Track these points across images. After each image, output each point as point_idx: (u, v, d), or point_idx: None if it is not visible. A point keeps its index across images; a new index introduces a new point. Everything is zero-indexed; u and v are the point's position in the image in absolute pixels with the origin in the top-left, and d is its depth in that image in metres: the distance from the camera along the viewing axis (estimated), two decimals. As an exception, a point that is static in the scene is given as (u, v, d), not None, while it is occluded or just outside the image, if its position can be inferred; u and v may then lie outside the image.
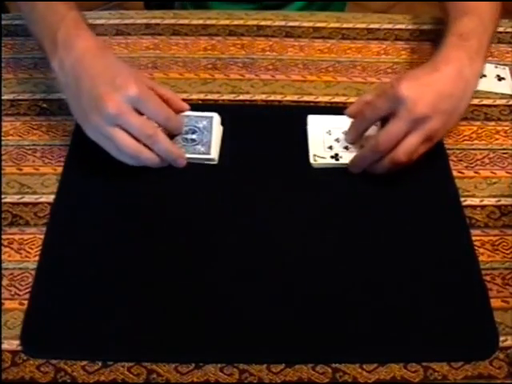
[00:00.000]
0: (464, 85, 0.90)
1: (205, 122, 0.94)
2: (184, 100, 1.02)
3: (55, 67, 0.90)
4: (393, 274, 0.83)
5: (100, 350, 0.76)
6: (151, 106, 0.88)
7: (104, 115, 0.84)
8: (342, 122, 0.95)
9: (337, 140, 0.94)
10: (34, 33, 0.97)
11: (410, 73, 0.91)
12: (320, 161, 0.93)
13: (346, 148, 0.93)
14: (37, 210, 0.88)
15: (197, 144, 0.92)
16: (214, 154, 0.93)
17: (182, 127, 0.93)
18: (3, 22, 1.14)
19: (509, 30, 1.17)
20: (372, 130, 0.92)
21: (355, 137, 0.93)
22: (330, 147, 0.94)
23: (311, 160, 0.93)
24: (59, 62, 0.89)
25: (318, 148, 0.94)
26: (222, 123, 0.97)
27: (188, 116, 0.94)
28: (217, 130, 0.94)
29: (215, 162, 0.93)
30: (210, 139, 0.93)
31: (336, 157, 0.93)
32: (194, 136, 0.93)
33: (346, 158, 0.92)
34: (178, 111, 0.93)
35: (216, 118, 0.95)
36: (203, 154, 0.92)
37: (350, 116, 0.94)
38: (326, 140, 0.95)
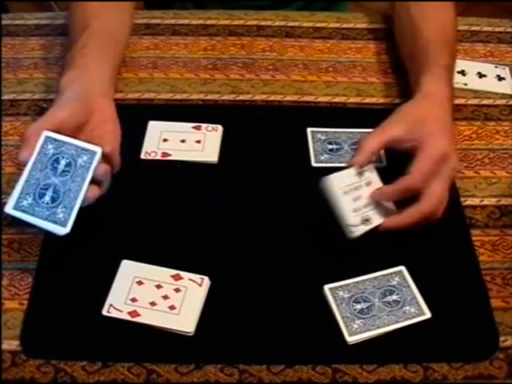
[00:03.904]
0: (452, 118, 0.93)
1: (85, 158, 0.80)
2: (184, 100, 1.02)
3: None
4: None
5: (100, 351, 0.76)
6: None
7: None
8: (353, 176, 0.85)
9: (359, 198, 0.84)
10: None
11: (427, 119, 0.89)
12: (357, 231, 0.82)
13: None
14: (37, 210, 0.88)
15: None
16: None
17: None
18: (3, 22, 1.14)
19: (509, 29, 1.17)
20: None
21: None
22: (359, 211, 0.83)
23: (349, 233, 0.82)
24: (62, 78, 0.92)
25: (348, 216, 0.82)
26: (222, 123, 0.98)
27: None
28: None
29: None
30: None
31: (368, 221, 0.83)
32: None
33: (375, 218, 0.84)
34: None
35: (98, 152, 0.81)
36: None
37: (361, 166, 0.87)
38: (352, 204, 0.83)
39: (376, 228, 0.84)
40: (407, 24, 1.06)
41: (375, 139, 0.88)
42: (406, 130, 0.88)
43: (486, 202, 0.91)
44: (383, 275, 0.82)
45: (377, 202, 0.85)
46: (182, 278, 0.81)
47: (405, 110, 0.91)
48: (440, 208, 0.84)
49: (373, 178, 0.86)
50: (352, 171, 0.85)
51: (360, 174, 0.85)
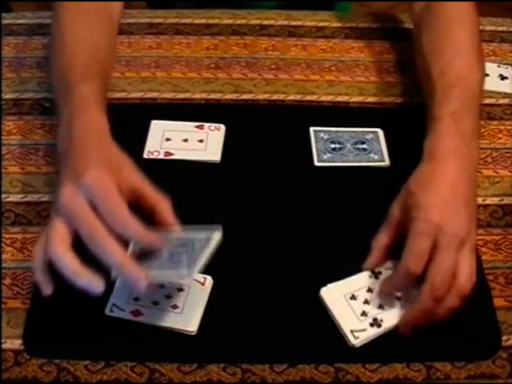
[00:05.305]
0: (471, 179, 0.83)
1: (202, 236, 0.75)
2: (186, 100, 1.02)
3: (58, 138, 0.83)
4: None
5: (102, 350, 0.76)
6: (104, 205, 0.72)
7: (56, 205, 0.75)
8: (359, 281, 0.81)
9: (367, 302, 0.79)
10: (54, 93, 0.92)
11: (422, 187, 0.80)
12: (362, 335, 0.76)
13: (381, 307, 0.79)
14: (39, 209, 0.88)
15: (183, 260, 0.74)
16: (195, 270, 0.72)
17: (147, 237, 0.73)
18: (6, 22, 1.15)
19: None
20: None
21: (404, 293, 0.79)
22: (364, 313, 0.78)
23: (351, 340, 0.76)
24: (59, 143, 0.82)
25: (352, 321, 0.77)
26: (225, 122, 0.98)
27: (185, 230, 0.77)
28: (211, 247, 0.75)
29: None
30: (198, 254, 0.73)
31: (376, 322, 0.77)
32: (183, 249, 0.75)
33: (387, 319, 0.78)
34: (164, 225, 0.77)
35: (217, 233, 0.76)
36: (184, 267, 0.73)
37: (374, 267, 0.82)
38: (356, 307, 0.79)
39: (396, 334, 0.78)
40: (418, 53, 0.99)
41: (382, 233, 0.82)
42: (400, 209, 0.81)
43: (488, 201, 0.91)
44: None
45: (385, 302, 0.79)
46: None
47: (406, 184, 0.82)
48: (452, 284, 0.75)
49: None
50: (365, 274, 0.81)
51: (376, 275, 0.81)
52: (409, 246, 0.77)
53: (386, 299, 0.79)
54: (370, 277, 0.81)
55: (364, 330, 0.77)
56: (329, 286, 0.80)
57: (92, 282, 0.70)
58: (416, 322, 0.76)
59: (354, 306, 0.79)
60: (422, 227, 0.77)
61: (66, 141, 0.80)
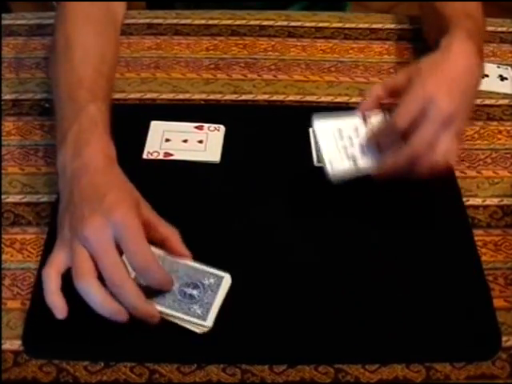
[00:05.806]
0: (476, 77, 0.90)
1: (212, 280, 0.79)
2: (186, 100, 1.02)
3: (58, 164, 0.83)
4: (395, 274, 0.83)
5: (102, 350, 0.76)
6: (130, 246, 0.73)
7: (78, 235, 0.74)
8: (349, 121, 0.88)
9: (351, 141, 0.86)
10: (54, 105, 0.91)
11: (430, 65, 0.87)
12: (339, 167, 0.84)
13: (362, 150, 0.86)
14: (39, 209, 0.88)
15: (195, 303, 0.78)
16: (210, 321, 0.77)
17: (165, 283, 0.76)
18: (6, 22, 1.15)
19: (511, 29, 1.17)
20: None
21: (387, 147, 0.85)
22: (345, 150, 0.85)
23: (328, 169, 0.84)
24: (63, 162, 0.82)
25: (333, 154, 0.85)
26: (225, 123, 0.98)
27: (195, 268, 0.80)
28: (222, 294, 0.79)
29: (206, 330, 0.77)
30: (211, 302, 0.78)
31: (354, 160, 0.85)
32: (194, 292, 0.79)
33: (364, 161, 0.85)
34: (177, 255, 0.80)
35: (227, 279, 0.80)
36: (197, 317, 0.76)
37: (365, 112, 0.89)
38: (340, 143, 0.86)
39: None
40: (430, 12, 1.06)
41: (379, 86, 0.89)
42: (405, 79, 0.87)
43: (488, 201, 0.91)
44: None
45: (366, 147, 0.86)
46: None
47: (416, 62, 0.89)
48: (429, 153, 0.81)
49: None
50: (356, 116, 0.88)
51: (365, 120, 0.88)
52: (400, 104, 0.83)
53: (367, 145, 0.86)
54: (360, 120, 0.88)
55: (342, 163, 0.84)
56: (321, 120, 0.87)
57: (119, 313, 0.73)
58: (387, 173, 0.83)
59: (339, 142, 0.86)
60: (417, 91, 0.83)
61: (75, 160, 0.80)
